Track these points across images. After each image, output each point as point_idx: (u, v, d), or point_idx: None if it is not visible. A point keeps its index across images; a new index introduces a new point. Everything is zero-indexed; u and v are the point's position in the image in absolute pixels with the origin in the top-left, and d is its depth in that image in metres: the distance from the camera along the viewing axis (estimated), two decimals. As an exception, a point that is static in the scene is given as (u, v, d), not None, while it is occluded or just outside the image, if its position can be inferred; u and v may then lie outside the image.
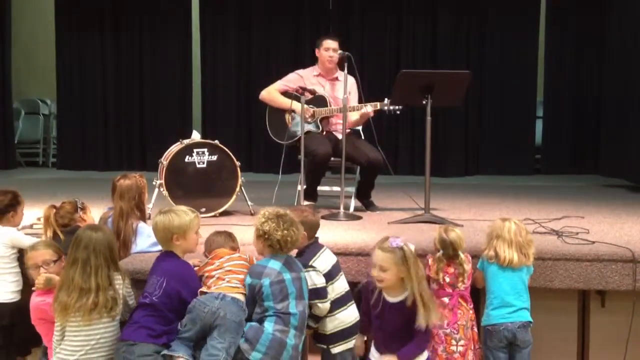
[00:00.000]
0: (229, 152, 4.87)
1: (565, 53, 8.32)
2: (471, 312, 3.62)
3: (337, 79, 5.17)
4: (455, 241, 3.55)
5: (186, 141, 4.88)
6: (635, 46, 6.69)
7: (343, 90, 4.82)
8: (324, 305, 3.37)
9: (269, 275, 3.19)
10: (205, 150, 4.83)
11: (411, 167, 8.13)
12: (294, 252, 3.44)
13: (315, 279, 3.35)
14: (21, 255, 3.81)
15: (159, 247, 3.58)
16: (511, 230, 3.52)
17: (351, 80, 5.23)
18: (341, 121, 4.91)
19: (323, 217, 4.57)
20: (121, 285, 3.17)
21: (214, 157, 4.84)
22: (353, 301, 3.50)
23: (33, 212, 4.11)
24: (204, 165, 4.82)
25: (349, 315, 3.46)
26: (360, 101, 5.23)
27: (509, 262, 3.48)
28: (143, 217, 4.01)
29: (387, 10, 8.30)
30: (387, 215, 4.90)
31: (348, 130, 5.06)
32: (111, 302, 3.08)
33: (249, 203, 4.97)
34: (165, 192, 4.71)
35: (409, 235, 4.15)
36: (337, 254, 3.63)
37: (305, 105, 4.94)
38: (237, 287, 3.21)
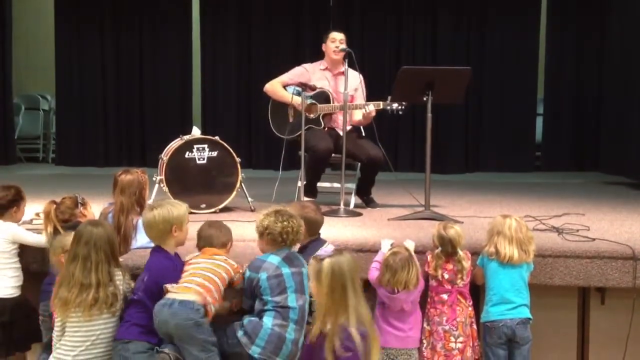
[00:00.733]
0: (229, 148, 4.87)
1: (565, 50, 8.30)
2: (470, 309, 3.62)
3: (342, 73, 5.16)
4: (454, 238, 3.56)
5: (186, 137, 4.87)
6: (636, 44, 6.68)
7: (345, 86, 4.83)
8: None
9: (267, 270, 3.21)
10: (206, 146, 4.82)
11: (411, 164, 8.12)
12: (297, 248, 3.45)
13: None
14: (22, 250, 3.82)
15: (159, 242, 3.58)
16: (512, 226, 3.52)
17: (357, 77, 5.23)
18: (343, 118, 4.90)
19: (323, 214, 4.56)
20: (121, 281, 3.18)
21: (214, 153, 4.84)
22: None
23: (33, 208, 4.10)
24: (204, 162, 4.81)
25: None
26: (365, 100, 5.21)
27: (510, 258, 3.48)
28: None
29: (387, 10, 8.28)
30: (387, 212, 4.90)
31: (349, 127, 5.05)
32: (111, 298, 3.08)
33: (249, 199, 4.97)
34: (165, 188, 4.71)
35: (409, 232, 4.16)
36: (337, 250, 3.63)
37: (307, 100, 4.93)
38: (189, 288, 3.17)
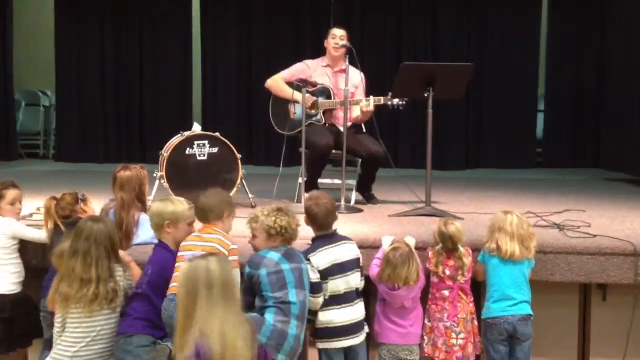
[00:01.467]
0: (229, 144, 4.86)
1: (566, 46, 8.29)
2: (471, 305, 3.62)
3: (343, 70, 5.14)
4: (454, 234, 3.55)
5: (187, 133, 4.86)
6: (636, 41, 6.67)
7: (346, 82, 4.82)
8: (315, 300, 3.38)
9: (267, 266, 3.22)
10: (206, 142, 4.82)
11: (412, 160, 8.11)
12: (297, 245, 3.45)
13: (309, 273, 3.36)
14: (22, 247, 3.81)
15: (161, 239, 3.59)
16: (513, 222, 3.51)
17: (358, 75, 5.22)
18: (343, 114, 4.90)
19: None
20: (122, 277, 3.18)
21: (215, 149, 4.83)
22: (352, 304, 3.45)
23: (33, 204, 4.10)
24: (205, 158, 4.80)
25: (339, 315, 3.42)
26: (366, 97, 5.20)
27: (511, 254, 3.47)
28: (144, 208, 4.01)
29: (388, 9, 8.26)
30: (387, 208, 4.90)
31: (349, 123, 5.05)
32: (112, 293, 3.08)
33: (250, 195, 4.96)
34: (165, 184, 4.70)
35: (409, 228, 4.16)
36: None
37: (308, 95, 4.93)
38: None
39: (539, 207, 4.89)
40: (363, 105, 4.99)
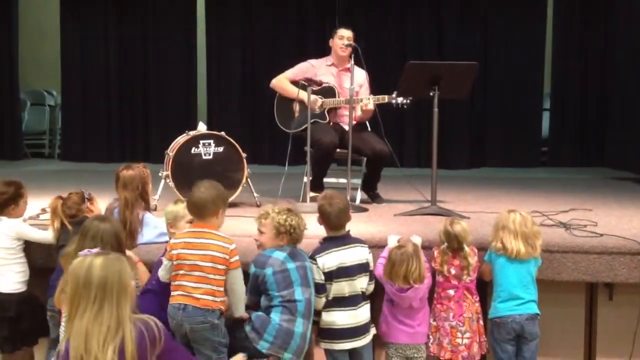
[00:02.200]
0: (235, 143, 4.86)
1: (572, 45, 8.26)
2: (477, 304, 3.62)
3: (348, 70, 5.14)
4: (460, 234, 3.54)
5: (192, 132, 4.87)
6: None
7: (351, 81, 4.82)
8: (318, 300, 3.37)
9: (273, 265, 3.22)
10: (212, 141, 4.81)
11: (417, 159, 8.11)
12: (304, 244, 3.45)
13: (314, 274, 3.36)
14: (28, 246, 3.82)
15: (166, 238, 3.60)
16: (516, 221, 3.50)
17: (363, 74, 5.22)
18: (348, 113, 4.89)
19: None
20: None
21: (220, 149, 4.83)
22: (357, 307, 3.44)
23: (39, 204, 4.10)
24: (210, 157, 4.80)
25: (343, 318, 3.41)
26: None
27: (517, 253, 3.46)
28: (148, 207, 4.02)
29: (393, 7, 8.26)
30: (393, 208, 4.89)
31: (355, 122, 5.04)
32: (118, 293, 3.07)
33: (255, 195, 4.96)
34: (171, 183, 4.70)
35: (415, 227, 4.15)
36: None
37: (313, 95, 4.93)
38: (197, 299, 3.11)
39: (545, 207, 4.87)
40: (362, 104, 4.99)
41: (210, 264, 3.12)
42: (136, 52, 8.64)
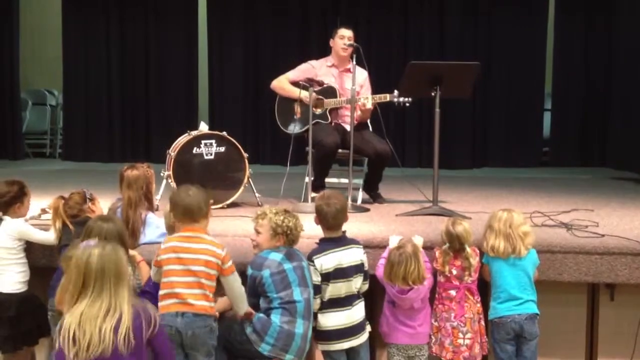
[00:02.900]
0: (236, 143, 4.86)
1: (574, 45, 8.25)
2: (478, 305, 3.62)
3: (349, 70, 5.14)
4: (462, 235, 3.54)
5: (194, 132, 4.87)
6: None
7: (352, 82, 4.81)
8: (314, 301, 3.36)
9: (269, 267, 3.22)
10: (213, 141, 4.82)
11: (419, 159, 8.11)
12: (301, 244, 3.45)
13: (312, 275, 3.36)
14: (29, 246, 3.82)
15: (167, 239, 3.58)
16: (502, 219, 3.51)
17: (363, 74, 5.21)
18: (349, 113, 4.89)
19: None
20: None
21: (222, 149, 4.83)
22: (352, 307, 3.43)
23: (41, 204, 4.10)
24: (212, 157, 4.80)
25: (340, 319, 3.40)
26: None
27: (496, 251, 3.47)
28: (151, 208, 4.02)
29: (395, 6, 8.25)
30: (394, 208, 4.89)
31: (356, 122, 5.04)
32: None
33: (257, 195, 4.96)
34: (173, 183, 4.70)
35: (417, 227, 4.15)
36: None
37: (314, 95, 4.93)
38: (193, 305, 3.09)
39: (547, 207, 4.87)
40: (360, 103, 4.98)
41: (203, 269, 3.09)
42: (138, 51, 8.63)
